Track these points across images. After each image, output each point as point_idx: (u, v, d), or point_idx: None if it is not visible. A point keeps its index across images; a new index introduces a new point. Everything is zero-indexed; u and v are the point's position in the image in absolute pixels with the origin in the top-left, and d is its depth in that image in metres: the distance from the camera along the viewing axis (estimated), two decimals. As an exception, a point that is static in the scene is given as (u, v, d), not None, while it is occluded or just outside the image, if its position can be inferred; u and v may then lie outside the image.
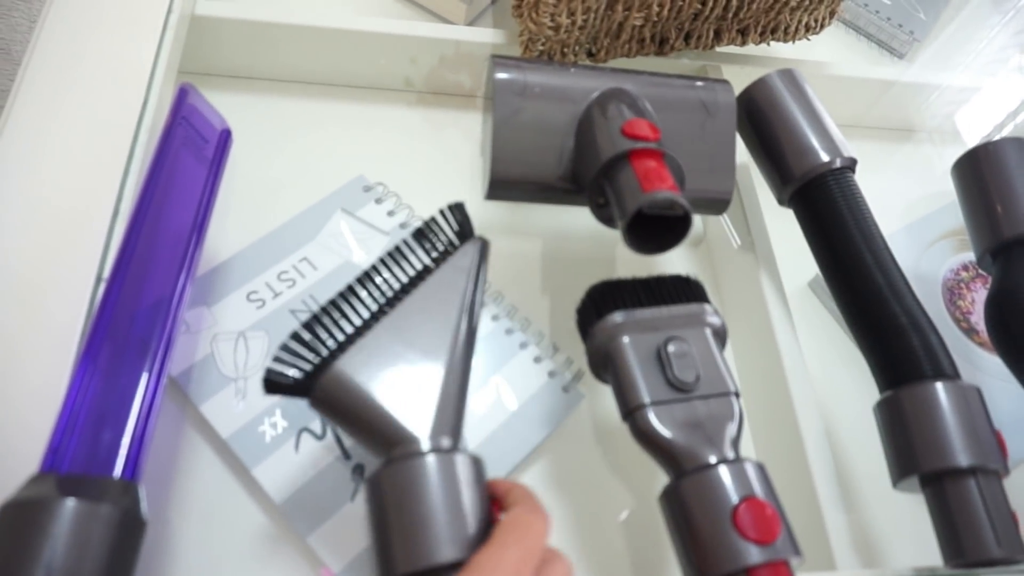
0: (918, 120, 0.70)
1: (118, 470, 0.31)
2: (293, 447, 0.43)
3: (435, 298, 0.39)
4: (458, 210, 0.42)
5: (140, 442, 0.32)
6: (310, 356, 0.36)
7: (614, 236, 0.43)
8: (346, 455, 0.43)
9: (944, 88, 0.68)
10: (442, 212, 0.42)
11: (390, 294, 0.39)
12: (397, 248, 0.41)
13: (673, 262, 0.56)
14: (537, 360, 0.48)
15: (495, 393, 0.47)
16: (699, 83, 0.47)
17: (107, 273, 0.36)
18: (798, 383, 0.46)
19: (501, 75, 0.43)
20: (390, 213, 0.52)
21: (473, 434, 0.45)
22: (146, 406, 0.32)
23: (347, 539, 0.41)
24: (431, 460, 0.33)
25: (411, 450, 0.34)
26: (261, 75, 0.57)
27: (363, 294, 0.39)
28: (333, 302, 0.38)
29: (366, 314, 0.38)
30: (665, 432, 0.37)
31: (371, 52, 0.56)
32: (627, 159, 0.40)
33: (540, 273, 0.53)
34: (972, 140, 0.70)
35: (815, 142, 0.47)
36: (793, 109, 0.49)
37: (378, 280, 0.39)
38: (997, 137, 0.69)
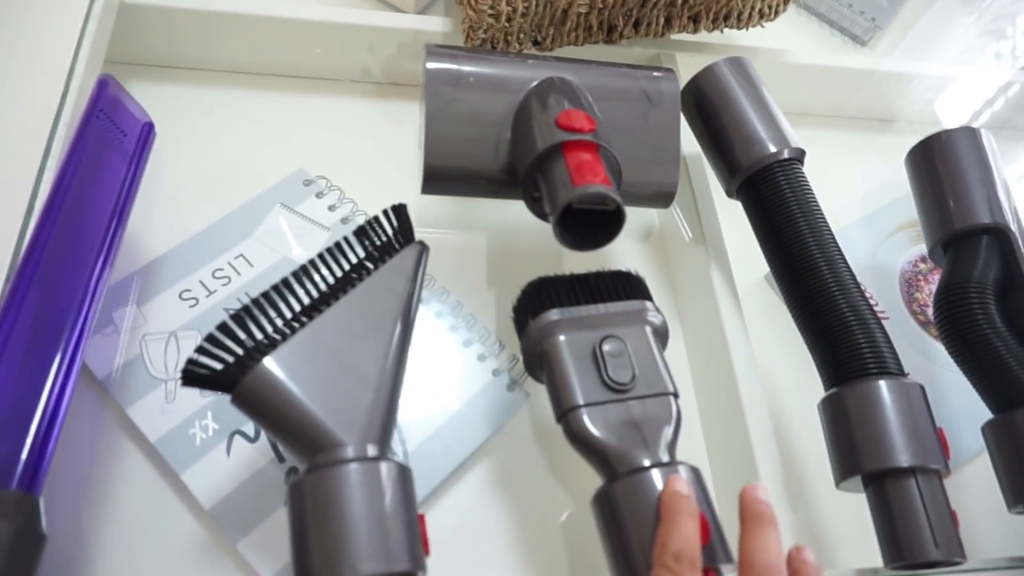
0: (896, 108, 0.68)
1: (15, 482, 0.29)
2: (224, 450, 0.41)
3: (372, 300, 0.38)
4: (400, 212, 0.41)
5: (41, 452, 0.30)
6: (237, 349, 0.34)
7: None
8: (280, 457, 0.42)
9: (922, 77, 0.66)
10: (385, 212, 0.41)
11: (326, 292, 0.38)
12: (336, 245, 0.39)
13: (626, 255, 0.55)
14: (481, 358, 0.47)
15: (437, 392, 0.45)
16: (642, 72, 0.46)
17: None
18: (746, 380, 0.45)
19: (432, 65, 0.42)
20: (331, 208, 0.50)
21: (413, 435, 0.44)
22: (49, 413, 0.31)
23: (279, 544, 0.40)
24: (356, 468, 0.32)
25: (336, 457, 0.33)
26: (198, 66, 0.55)
27: (298, 290, 0.37)
28: (266, 295, 0.36)
29: (299, 310, 0.37)
30: (598, 434, 0.36)
31: (315, 42, 0.54)
32: (560, 151, 0.38)
33: (486, 268, 0.51)
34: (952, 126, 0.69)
35: (763, 132, 0.46)
36: (741, 98, 0.47)
37: (315, 276, 0.38)
38: (975, 124, 0.68)
